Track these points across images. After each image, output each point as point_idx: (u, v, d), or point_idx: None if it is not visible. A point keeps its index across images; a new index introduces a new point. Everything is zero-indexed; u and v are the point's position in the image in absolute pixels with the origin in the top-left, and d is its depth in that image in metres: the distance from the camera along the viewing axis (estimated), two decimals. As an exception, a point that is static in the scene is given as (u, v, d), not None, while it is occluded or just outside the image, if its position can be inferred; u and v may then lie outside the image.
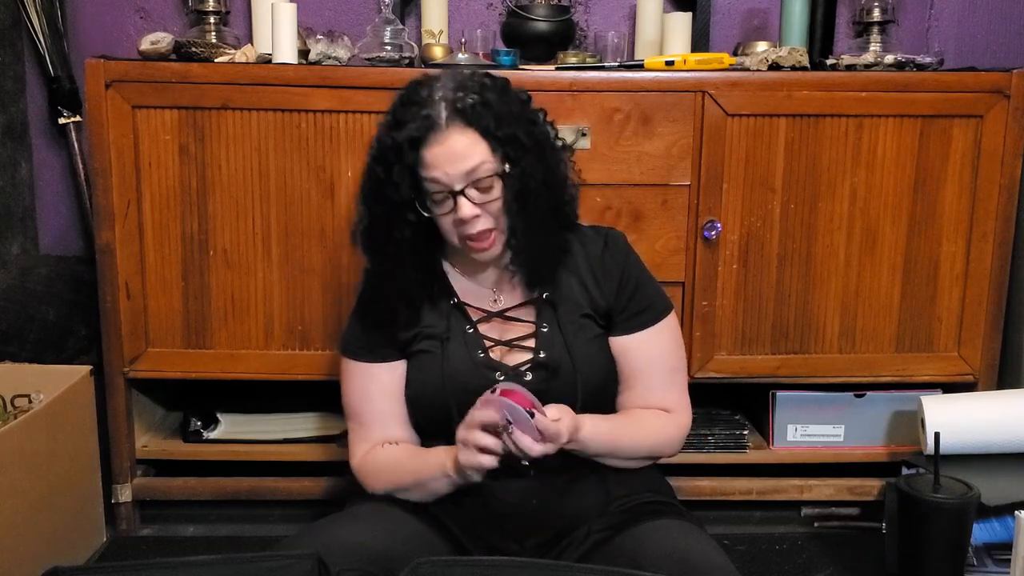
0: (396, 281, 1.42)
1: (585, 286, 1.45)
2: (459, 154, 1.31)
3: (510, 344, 1.44)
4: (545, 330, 1.43)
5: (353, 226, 1.46)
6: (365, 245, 1.44)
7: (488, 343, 1.43)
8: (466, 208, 1.32)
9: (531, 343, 1.43)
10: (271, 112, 1.86)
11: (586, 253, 1.47)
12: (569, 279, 1.45)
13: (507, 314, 1.46)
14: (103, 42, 2.26)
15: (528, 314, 1.45)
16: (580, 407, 1.38)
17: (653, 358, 1.47)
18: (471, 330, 1.44)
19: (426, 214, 1.36)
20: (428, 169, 1.32)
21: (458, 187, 1.32)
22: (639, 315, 1.46)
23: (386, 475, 1.43)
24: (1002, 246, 1.97)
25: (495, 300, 1.47)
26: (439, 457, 1.37)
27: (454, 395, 1.39)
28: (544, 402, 1.33)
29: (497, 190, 1.34)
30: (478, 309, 1.46)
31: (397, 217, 1.37)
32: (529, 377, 1.40)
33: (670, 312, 1.50)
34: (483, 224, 1.35)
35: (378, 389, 1.47)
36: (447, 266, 1.48)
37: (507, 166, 1.33)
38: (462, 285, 1.47)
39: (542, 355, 1.41)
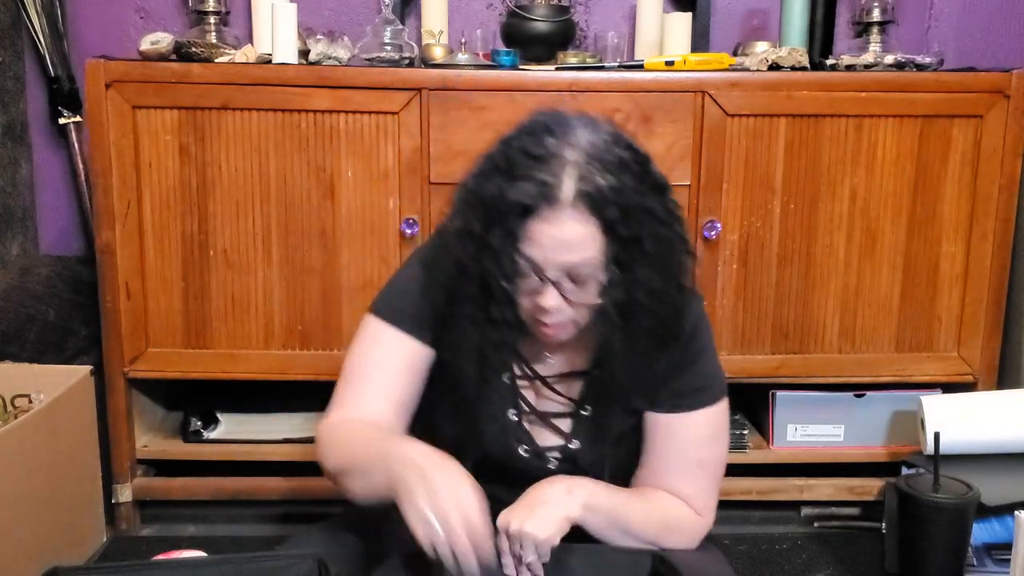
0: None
1: None
2: (569, 243, 1.08)
3: (544, 419, 1.27)
4: (585, 413, 1.26)
5: (441, 226, 1.25)
6: (454, 250, 1.18)
7: (524, 407, 1.27)
8: (551, 299, 1.12)
9: (566, 424, 1.26)
10: (271, 112, 1.86)
11: None
12: None
13: (548, 379, 1.27)
14: (103, 42, 2.26)
15: (571, 388, 1.26)
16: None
17: (679, 446, 1.25)
18: (508, 381, 1.26)
19: (504, 283, 1.12)
20: (526, 244, 1.09)
21: (551, 275, 1.10)
22: (683, 397, 1.25)
23: (345, 449, 1.20)
24: (1002, 246, 1.97)
25: (548, 359, 1.27)
26: (401, 450, 1.10)
27: (473, 449, 1.24)
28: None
29: (593, 288, 1.12)
30: (524, 361, 1.27)
31: (480, 266, 1.14)
32: (553, 466, 1.26)
33: (719, 401, 1.26)
34: (563, 317, 1.14)
35: (394, 361, 1.25)
36: None
37: (618, 269, 1.10)
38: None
39: (573, 445, 1.26)
